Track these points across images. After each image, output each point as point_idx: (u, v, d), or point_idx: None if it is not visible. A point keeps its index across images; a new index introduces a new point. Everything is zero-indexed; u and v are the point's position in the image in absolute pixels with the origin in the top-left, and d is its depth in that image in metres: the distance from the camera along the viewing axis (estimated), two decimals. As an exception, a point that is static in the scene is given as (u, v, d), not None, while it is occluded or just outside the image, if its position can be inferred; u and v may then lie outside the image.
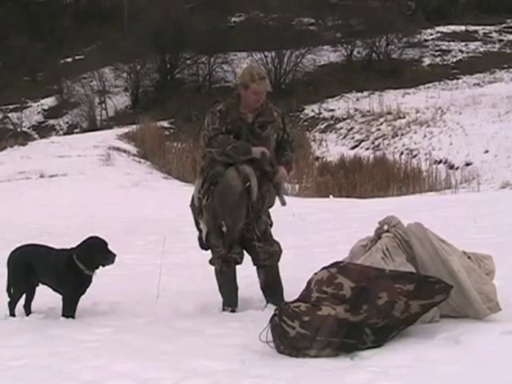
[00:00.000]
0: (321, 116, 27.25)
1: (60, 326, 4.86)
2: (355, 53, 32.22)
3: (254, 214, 4.99)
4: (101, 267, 5.11)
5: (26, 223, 10.79)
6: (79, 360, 4.05)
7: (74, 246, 5.17)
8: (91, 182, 16.91)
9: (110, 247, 5.11)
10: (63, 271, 5.04)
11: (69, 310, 5.05)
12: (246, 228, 5.00)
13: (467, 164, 19.10)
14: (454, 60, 31.42)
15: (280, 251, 5.14)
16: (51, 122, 31.53)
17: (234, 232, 4.95)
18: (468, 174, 18.00)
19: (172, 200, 14.15)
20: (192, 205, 5.14)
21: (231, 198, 4.84)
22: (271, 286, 5.14)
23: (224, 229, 4.93)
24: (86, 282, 5.09)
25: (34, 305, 5.25)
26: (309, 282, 4.23)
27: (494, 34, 33.38)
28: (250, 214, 4.97)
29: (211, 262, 5.14)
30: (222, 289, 5.16)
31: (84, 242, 5.13)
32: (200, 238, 5.13)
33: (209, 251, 5.18)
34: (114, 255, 5.08)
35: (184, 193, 16.45)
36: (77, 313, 5.08)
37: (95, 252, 5.04)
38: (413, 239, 4.40)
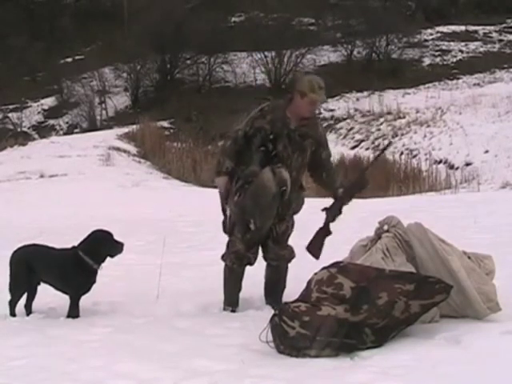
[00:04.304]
0: (321, 116, 27.23)
1: (60, 325, 4.86)
2: (355, 53, 32.23)
3: (278, 217, 5.00)
4: (108, 259, 5.12)
5: (26, 223, 10.78)
6: (79, 360, 4.05)
7: (74, 245, 5.17)
8: (91, 182, 16.90)
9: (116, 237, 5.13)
10: (69, 270, 5.05)
11: (74, 310, 5.07)
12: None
13: (467, 164, 19.10)
14: (454, 60, 31.42)
15: (289, 257, 5.12)
16: (51, 122, 31.53)
17: (262, 231, 4.96)
18: (468, 174, 17.99)
19: (172, 200, 14.14)
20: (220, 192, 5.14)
21: (264, 200, 4.83)
22: (272, 285, 5.15)
23: (252, 226, 4.93)
24: (92, 277, 5.10)
25: (35, 305, 5.25)
26: (309, 282, 4.23)
27: (494, 34, 33.37)
28: (277, 216, 4.99)
29: (223, 257, 5.13)
30: (226, 286, 5.15)
31: (89, 236, 5.14)
32: (224, 223, 5.11)
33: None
34: (122, 244, 5.10)
35: (184, 193, 16.48)
36: (77, 313, 5.10)
37: (103, 244, 5.05)
38: (413, 239, 4.40)
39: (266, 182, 4.83)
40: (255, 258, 5.10)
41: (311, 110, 4.97)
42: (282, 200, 4.90)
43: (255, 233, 4.96)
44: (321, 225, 5.13)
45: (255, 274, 5.24)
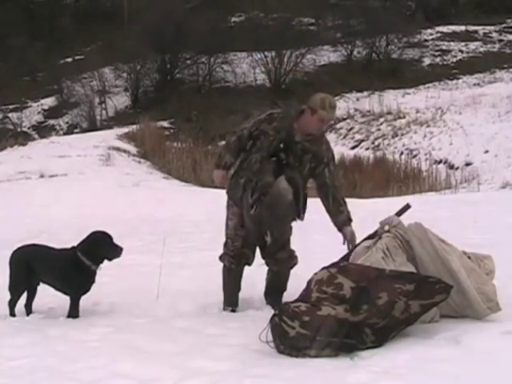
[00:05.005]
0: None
1: (60, 325, 4.86)
2: (355, 53, 32.26)
3: None
4: (106, 261, 5.11)
5: (26, 223, 10.79)
6: (79, 360, 4.04)
7: (73, 245, 5.17)
8: (91, 182, 16.90)
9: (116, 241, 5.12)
10: (68, 270, 5.05)
11: (74, 310, 5.07)
12: None
13: (467, 164, 19.09)
14: (454, 60, 31.45)
15: (290, 262, 5.09)
16: (51, 122, 31.54)
17: (279, 242, 4.96)
18: (468, 174, 17.99)
19: (172, 200, 14.14)
20: None
21: (280, 209, 4.84)
22: (273, 287, 5.15)
23: (268, 238, 4.92)
24: (91, 277, 5.10)
25: (35, 305, 5.25)
26: (309, 282, 4.23)
27: (494, 34, 33.40)
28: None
29: (221, 258, 5.14)
30: (225, 287, 5.16)
31: (88, 237, 5.13)
32: None
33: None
34: (121, 248, 5.09)
35: (184, 193, 16.48)
36: (77, 313, 5.09)
37: (101, 246, 5.05)
38: (413, 239, 4.40)
39: (282, 190, 4.83)
40: (253, 257, 5.09)
41: (319, 128, 4.93)
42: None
43: (272, 245, 4.96)
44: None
45: (255, 275, 5.23)
